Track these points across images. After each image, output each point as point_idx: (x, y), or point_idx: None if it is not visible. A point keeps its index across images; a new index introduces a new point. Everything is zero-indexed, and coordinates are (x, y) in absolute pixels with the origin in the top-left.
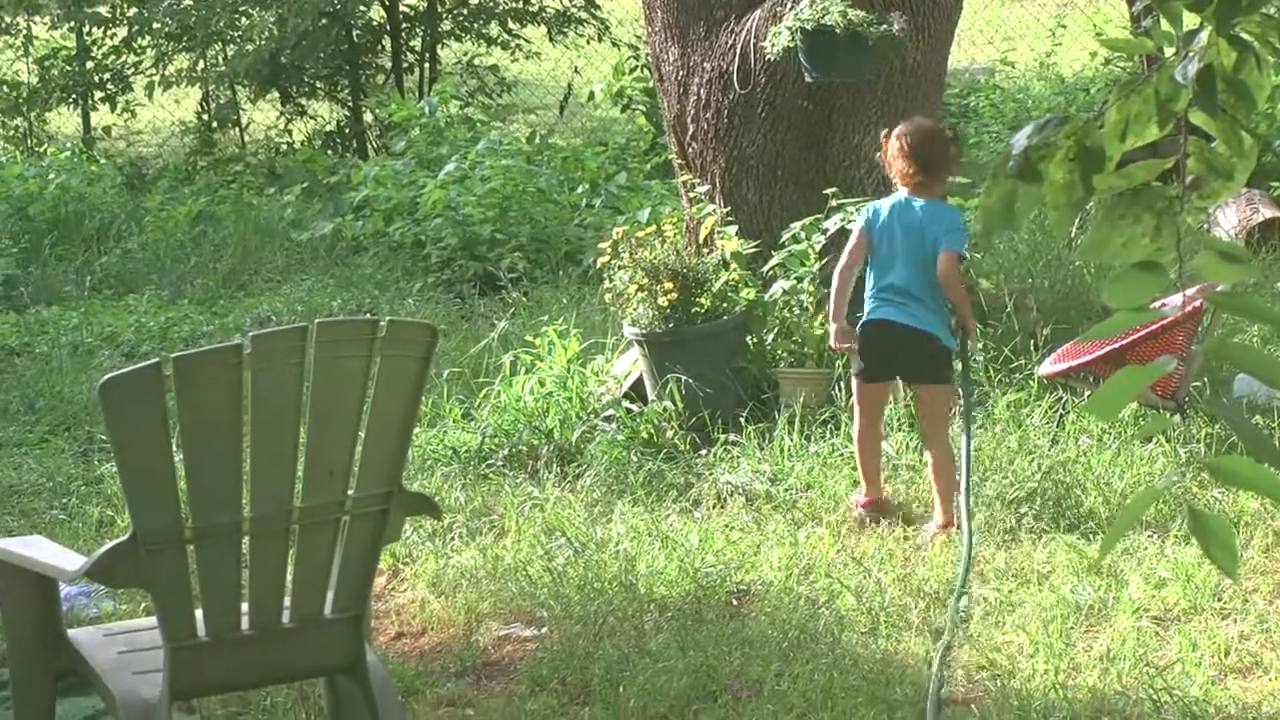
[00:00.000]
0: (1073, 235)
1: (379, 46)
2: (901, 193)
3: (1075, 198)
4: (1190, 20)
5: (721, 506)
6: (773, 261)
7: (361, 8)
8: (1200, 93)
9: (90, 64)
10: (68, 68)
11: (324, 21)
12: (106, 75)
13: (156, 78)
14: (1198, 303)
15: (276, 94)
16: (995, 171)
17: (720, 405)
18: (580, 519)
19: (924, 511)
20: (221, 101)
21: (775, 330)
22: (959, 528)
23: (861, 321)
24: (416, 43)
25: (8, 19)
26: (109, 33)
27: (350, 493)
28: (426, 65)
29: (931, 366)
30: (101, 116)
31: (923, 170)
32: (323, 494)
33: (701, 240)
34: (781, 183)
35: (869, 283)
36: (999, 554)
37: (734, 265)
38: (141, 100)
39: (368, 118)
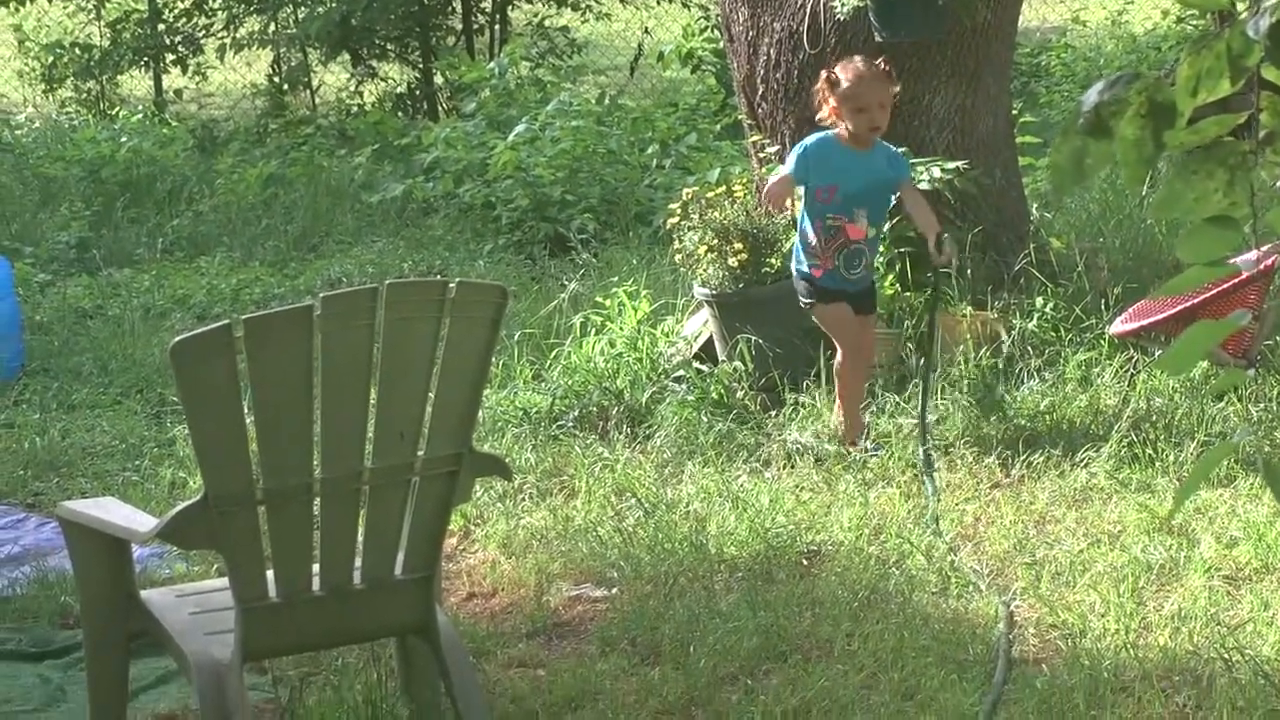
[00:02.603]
0: (1144, 194)
1: (449, 8)
2: None
3: (1146, 154)
4: None
5: (791, 467)
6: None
7: None
8: (1272, 47)
9: (161, 26)
10: (139, 30)
11: None
12: (178, 38)
13: (228, 40)
14: (1271, 259)
15: (347, 56)
16: (1065, 128)
17: (790, 366)
18: (650, 480)
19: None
20: (292, 64)
21: None
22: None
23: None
24: (487, 4)
25: None
26: None
27: (421, 454)
28: (497, 27)
29: None
30: (173, 79)
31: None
32: (393, 455)
33: None
34: None
35: None
36: (1069, 513)
37: None
38: (213, 63)
39: (438, 79)
